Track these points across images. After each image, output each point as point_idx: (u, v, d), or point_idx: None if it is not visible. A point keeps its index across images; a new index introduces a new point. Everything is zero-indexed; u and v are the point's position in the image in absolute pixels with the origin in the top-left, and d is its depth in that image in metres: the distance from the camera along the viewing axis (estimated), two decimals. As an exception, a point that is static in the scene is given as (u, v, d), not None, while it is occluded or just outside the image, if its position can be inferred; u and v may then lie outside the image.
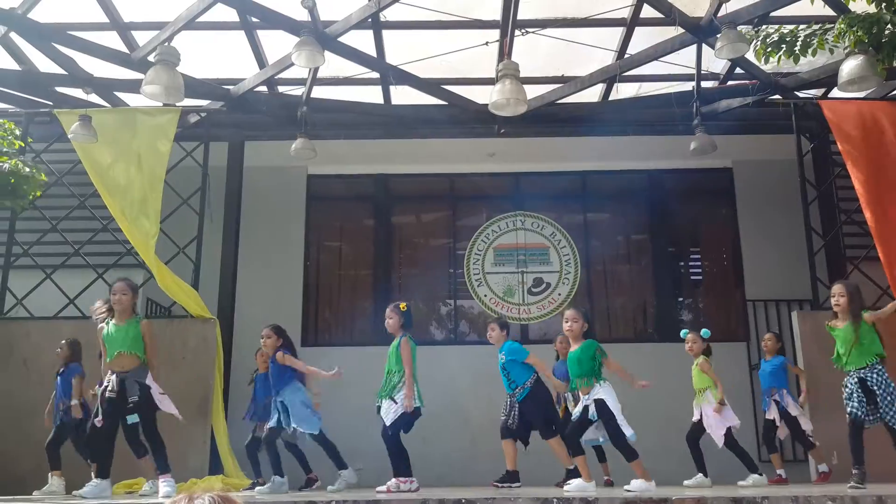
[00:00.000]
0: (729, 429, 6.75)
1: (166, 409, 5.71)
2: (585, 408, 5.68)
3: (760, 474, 6.73)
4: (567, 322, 5.84)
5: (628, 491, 5.22)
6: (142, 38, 7.41)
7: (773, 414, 7.25)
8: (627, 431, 5.53)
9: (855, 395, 5.47)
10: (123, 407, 5.54)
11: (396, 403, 5.72)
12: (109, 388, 5.52)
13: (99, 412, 5.55)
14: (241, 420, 7.48)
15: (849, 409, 5.50)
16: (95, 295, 7.78)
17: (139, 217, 7.60)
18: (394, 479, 5.63)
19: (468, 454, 7.96)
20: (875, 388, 5.43)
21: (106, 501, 5.13)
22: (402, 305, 6.10)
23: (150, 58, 6.71)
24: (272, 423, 6.31)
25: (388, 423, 5.71)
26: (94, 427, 5.59)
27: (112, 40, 7.44)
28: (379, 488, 5.61)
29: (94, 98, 8.09)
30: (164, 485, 5.45)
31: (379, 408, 5.86)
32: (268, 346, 6.44)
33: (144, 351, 5.65)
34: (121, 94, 8.32)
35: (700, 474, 6.73)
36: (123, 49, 7.45)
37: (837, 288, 5.76)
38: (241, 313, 8.75)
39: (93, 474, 5.82)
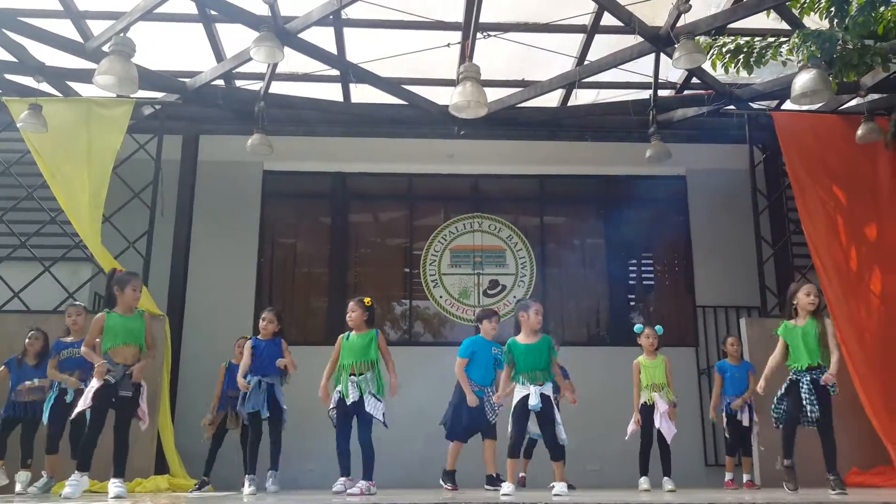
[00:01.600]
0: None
1: (143, 413, 5.52)
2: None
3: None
4: (538, 315, 5.76)
5: (556, 495, 5.20)
6: (97, 27, 7.24)
7: (745, 417, 7.20)
8: (562, 435, 5.45)
9: (806, 396, 5.54)
10: (113, 399, 5.32)
11: (381, 401, 5.75)
12: (114, 374, 5.30)
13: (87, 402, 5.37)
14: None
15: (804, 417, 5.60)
16: (41, 288, 7.62)
17: (88, 210, 7.44)
18: (365, 482, 5.60)
19: (420, 457, 7.95)
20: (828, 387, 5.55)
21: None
22: (367, 300, 6.07)
23: (105, 48, 6.57)
24: (249, 408, 6.23)
25: (382, 420, 5.72)
26: (81, 417, 5.40)
27: (65, 28, 7.25)
28: (352, 491, 5.54)
29: (45, 87, 7.87)
30: (114, 486, 5.29)
31: (352, 405, 5.75)
32: (268, 329, 6.46)
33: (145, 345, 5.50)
34: (73, 84, 8.12)
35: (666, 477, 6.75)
36: (77, 38, 7.27)
37: (814, 288, 5.80)
38: (192, 310, 8.61)
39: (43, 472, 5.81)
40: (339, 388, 5.85)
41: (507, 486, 5.36)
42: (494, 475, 6.28)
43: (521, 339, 5.61)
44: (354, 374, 5.81)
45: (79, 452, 5.37)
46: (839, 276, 7.50)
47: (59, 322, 6.67)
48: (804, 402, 5.54)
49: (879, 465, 7.01)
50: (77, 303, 7.00)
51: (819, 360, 5.61)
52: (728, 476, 7.33)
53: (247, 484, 6.12)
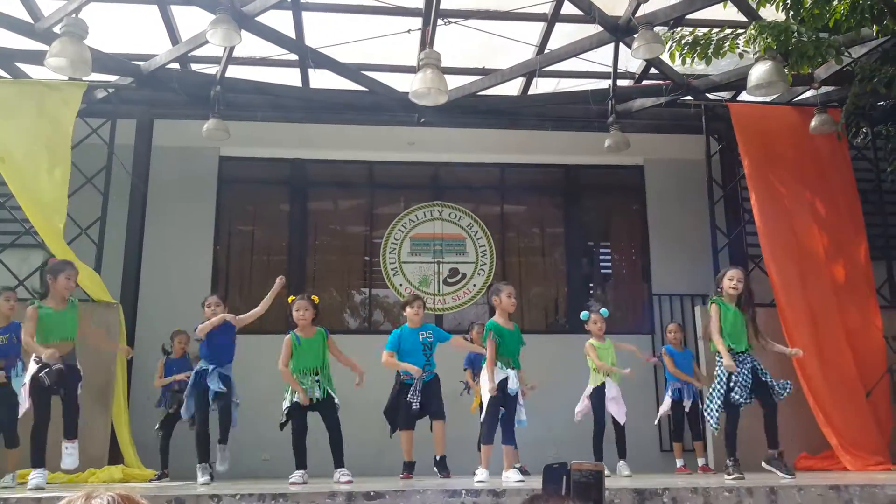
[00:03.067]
0: None
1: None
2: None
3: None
4: (511, 297, 5.83)
5: (518, 480, 5.24)
6: (47, 7, 7.03)
7: (688, 402, 7.33)
8: (521, 416, 5.66)
9: (743, 381, 5.58)
10: (51, 391, 5.33)
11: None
12: (48, 373, 5.28)
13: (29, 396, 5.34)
14: (154, 408, 7.32)
15: (736, 399, 5.64)
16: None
17: (40, 196, 7.23)
18: (344, 469, 5.72)
19: (378, 445, 7.91)
20: (762, 370, 5.66)
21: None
22: (315, 298, 6.08)
23: (56, 29, 6.39)
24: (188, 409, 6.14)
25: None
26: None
27: (14, 8, 7.02)
28: (343, 480, 5.55)
29: (-8, 68, 7.65)
30: (65, 452, 5.27)
31: (324, 401, 5.86)
32: (218, 313, 6.25)
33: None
34: (22, 66, 7.88)
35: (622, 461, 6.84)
36: (26, 18, 7.05)
37: (739, 273, 5.86)
38: (146, 299, 8.45)
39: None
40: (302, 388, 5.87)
41: (481, 472, 5.39)
42: (441, 457, 6.27)
43: (501, 321, 5.67)
44: (316, 374, 5.90)
45: (31, 451, 5.29)
46: (790, 264, 7.65)
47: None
48: (744, 384, 5.56)
49: (826, 450, 7.17)
50: (10, 288, 6.71)
51: (747, 346, 5.73)
52: (679, 462, 7.45)
53: (200, 474, 6.02)
